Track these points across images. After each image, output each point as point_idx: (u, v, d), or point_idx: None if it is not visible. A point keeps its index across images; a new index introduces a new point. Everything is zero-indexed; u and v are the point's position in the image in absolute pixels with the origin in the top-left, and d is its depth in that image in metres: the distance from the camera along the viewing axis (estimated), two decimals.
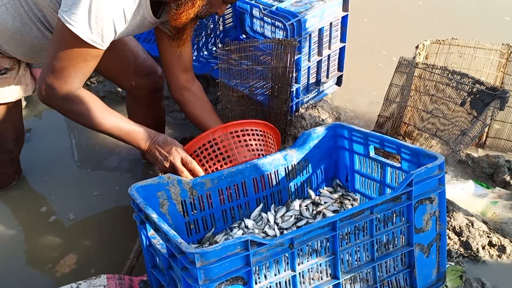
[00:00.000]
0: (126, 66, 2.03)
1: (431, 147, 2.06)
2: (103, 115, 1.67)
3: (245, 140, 1.71)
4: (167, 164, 1.68)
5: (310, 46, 2.31)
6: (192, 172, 1.67)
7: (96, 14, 1.49)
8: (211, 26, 2.64)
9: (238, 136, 1.71)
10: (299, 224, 1.66)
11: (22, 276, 1.92)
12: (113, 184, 2.29)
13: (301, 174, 1.78)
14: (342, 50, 2.51)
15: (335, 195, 1.77)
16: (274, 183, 1.74)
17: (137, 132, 1.70)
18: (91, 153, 2.48)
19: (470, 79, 1.97)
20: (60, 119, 2.70)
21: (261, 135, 1.77)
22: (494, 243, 1.83)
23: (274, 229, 1.63)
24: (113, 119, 1.68)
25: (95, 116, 1.65)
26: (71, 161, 2.47)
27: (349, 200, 1.75)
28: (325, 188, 1.82)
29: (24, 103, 2.73)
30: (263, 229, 1.64)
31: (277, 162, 1.72)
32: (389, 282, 1.46)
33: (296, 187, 1.78)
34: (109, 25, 1.53)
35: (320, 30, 2.31)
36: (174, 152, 1.68)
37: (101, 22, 1.51)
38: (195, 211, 1.62)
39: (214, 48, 2.71)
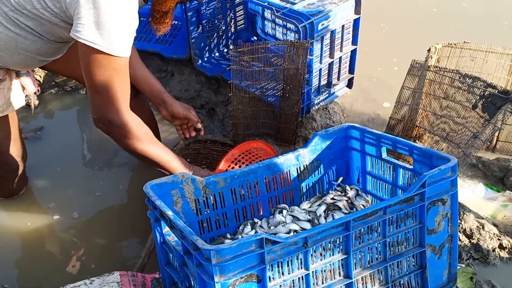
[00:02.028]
0: None
1: (442, 150, 2.06)
2: (154, 142, 1.76)
3: (258, 155, 1.97)
4: None
5: (322, 48, 2.32)
6: None
7: (117, 32, 1.50)
8: (223, 28, 2.66)
9: (252, 152, 1.96)
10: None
11: (27, 273, 1.94)
12: (117, 183, 2.31)
13: (313, 175, 1.79)
14: (353, 53, 2.52)
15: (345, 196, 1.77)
16: (286, 183, 1.75)
17: (180, 163, 1.82)
18: (98, 152, 2.50)
19: (482, 83, 1.97)
20: (71, 118, 2.73)
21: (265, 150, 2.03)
22: (504, 245, 1.84)
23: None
24: (161, 148, 1.78)
25: (150, 144, 1.73)
26: (79, 159, 2.49)
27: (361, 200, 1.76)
28: (337, 189, 1.83)
29: (36, 102, 2.74)
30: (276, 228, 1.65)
31: (289, 163, 1.73)
32: (401, 282, 1.47)
33: (307, 188, 1.79)
34: (129, 36, 1.55)
35: (332, 33, 2.32)
36: (210, 172, 1.87)
37: (123, 36, 1.52)
38: (208, 210, 1.64)
39: (225, 50, 2.72)
